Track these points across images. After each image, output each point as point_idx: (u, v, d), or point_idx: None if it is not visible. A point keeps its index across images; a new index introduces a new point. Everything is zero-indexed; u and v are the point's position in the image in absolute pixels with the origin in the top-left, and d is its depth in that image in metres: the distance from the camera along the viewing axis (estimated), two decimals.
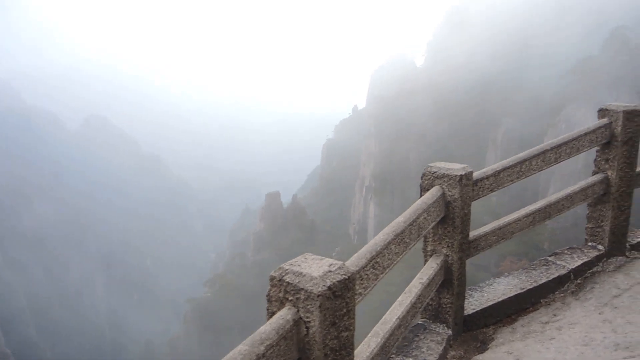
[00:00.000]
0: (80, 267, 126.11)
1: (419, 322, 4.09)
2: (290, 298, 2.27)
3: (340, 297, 2.28)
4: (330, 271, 2.31)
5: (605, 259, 5.01)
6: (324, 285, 2.22)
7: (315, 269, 2.32)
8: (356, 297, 2.51)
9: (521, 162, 4.31)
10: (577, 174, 44.86)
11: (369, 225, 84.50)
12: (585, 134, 4.70)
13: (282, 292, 2.30)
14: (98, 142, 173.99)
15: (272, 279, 2.35)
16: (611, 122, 4.83)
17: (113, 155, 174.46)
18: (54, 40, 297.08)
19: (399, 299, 3.47)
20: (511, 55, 75.45)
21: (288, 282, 2.28)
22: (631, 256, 5.11)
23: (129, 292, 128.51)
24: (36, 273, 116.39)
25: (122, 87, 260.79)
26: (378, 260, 2.85)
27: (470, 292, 4.50)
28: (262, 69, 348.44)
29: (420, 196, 3.82)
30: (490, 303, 4.36)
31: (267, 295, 2.35)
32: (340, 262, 2.41)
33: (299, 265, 2.36)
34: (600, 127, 4.78)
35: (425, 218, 3.51)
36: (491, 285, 4.63)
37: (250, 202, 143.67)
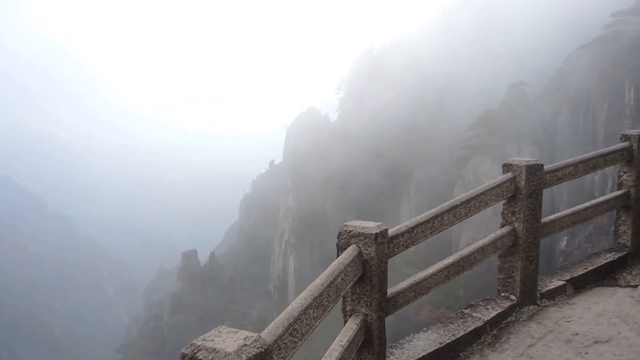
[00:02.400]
0: None
1: None
2: None
3: None
4: (245, 345, 2.18)
5: (518, 308, 5.14)
6: None
7: (229, 343, 2.19)
8: None
9: (434, 218, 4.40)
10: (487, 222, 46.95)
11: (289, 281, 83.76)
12: (492, 188, 4.89)
13: None
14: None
15: (183, 356, 2.19)
16: (515, 177, 5.06)
17: (17, 214, 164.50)
18: None
19: None
20: (421, 108, 79.23)
21: None
22: (542, 304, 5.29)
23: None
24: None
25: (26, 145, 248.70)
26: (296, 327, 2.74)
27: (390, 350, 4.45)
28: (174, 126, 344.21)
29: (337, 255, 3.78)
30: None
31: None
32: (255, 335, 2.28)
33: (212, 341, 2.22)
34: (505, 182, 5.00)
35: (342, 279, 3.46)
36: (411, 341, 4.61)
37: (165, 261, 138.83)
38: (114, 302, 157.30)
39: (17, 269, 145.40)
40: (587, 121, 55.67)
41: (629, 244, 6.35)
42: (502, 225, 5.26)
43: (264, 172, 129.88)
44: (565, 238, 47.37)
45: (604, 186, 46.85)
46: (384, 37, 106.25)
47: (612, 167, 6.37)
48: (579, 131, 56.31)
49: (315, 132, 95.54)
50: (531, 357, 4.32)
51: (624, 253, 6.27)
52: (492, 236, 5.05)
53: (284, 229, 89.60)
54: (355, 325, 3.77)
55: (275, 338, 2.53)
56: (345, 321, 3.92)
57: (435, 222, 4.41)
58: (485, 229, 47.28)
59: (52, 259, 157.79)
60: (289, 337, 2.67)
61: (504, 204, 5.26)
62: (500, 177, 5.12)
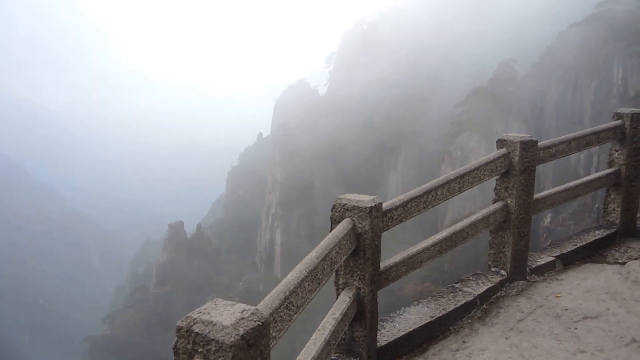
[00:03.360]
0: None
1: (332, 359, 3.98)
2: (200, 350, 2.08)
3: (255, 345, 2.13)
4: (242, 318, 2.15)
5: (508, 283, 5.18)
6: (236, 335, 2.05)
7: (226, 316, 2.15)
8: (270, 341, 2.37)
9: (427, 192, 4.38)
10: (472, 197, 47.29)
11: (275, 253, 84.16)
12: (486, 164, 4.87)
13: (190, 343, 2.11)
14: None
15: (179, 329, 2.15)
16: (509, 152, 5.05)
17: (0, 183, 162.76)
18: None
19: (313, 337, 3.34)
20: (411, 83, 79.00)
21: (197, 333, 2.09)
22: (532, 280, 5.33)
23: (20, 335, 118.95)
24: None
25: (9, 114, 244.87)
26: (292, 300, 2.72)
27: (382, 323, 4.46)
28: (160, 96, 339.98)
29: (331, 229, 3.75)
30: (402, 333, 4.35)
31: (173, 348, 2.15)
32: (252, 308, 2.25)
33: (208, 314, 2.18)
34: (499, 157, 4.98)
35: (337, 252, 3.44)
36: (402, 315, 4.63)
37: (152, 232, 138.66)
38: (100, 272, 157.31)
39: (1, 238, 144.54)
40: (575, 100, 55.89)
41: (617, 221, 6.39)
42: (495, 201, 5.26)
43: (251, 145, 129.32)
44: (549, 215, 47.93)
45: (589, 164, 47.30)
46: (374, 9, 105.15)
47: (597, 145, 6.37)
48: (566, 109, 56.55)
49: (304, 105, 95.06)
50: (521, 332, 4.36)
51: (613, 230, 6.32)
52: (484, 211, 5.05)
53: (271, 202, 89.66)
54: (348, 299, 3.77)
55: (271, 311, 2.50)
56: (338, 294, 3.92)
57: (429, 196, 4.39)
58: (471, 203, 47.71)
59: (37, 229, 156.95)
60: (285, 310, 2.65)
61: (497, 180, 5.25)
62: (494, 152, 5.10)
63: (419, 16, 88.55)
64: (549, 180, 49.90)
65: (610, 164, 6.44)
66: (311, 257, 3.14)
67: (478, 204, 47.02)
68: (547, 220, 47.40)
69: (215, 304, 2.28)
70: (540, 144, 5.32)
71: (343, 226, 3.69)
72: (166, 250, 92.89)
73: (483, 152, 55.24)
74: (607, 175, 6.28)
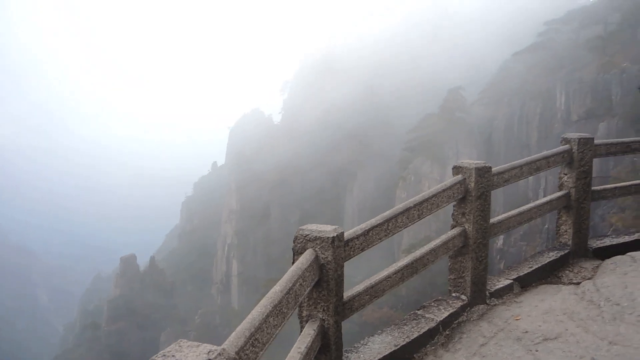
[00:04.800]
0: None
1: None
2: None
3: None
4: (209, 359, 2.08)
5: (469, 308, 5.23)
6: None
7: (192, 358, 2.07)
8: None
9: (388, 220, 4.40)
10: (427, 222, 47.88)
11: (232, 284, 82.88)
12: (443, 190, 4.95)
13: None
14: None
15: None
16: (465, 179, 5.15)
17: None
18: None
19: None
20: (365, 111, 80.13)
21: None
22: (491, 303, 5.40)
23: None
24: None
25: None
26: (257, 336, 2.65)
27: (347, 355, 4.42)
28: (111, 127, 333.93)
29: (293, 260, 3.72)
30: None
31: None
32: (219, 348, 2.18)
33: (173, 356, 2.10)
34: (456, 184, 5.07)
35: (301, 284, 3.40)
36: (366, 344, 4.60)
37: (103, 267, 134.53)
38: (48, 310, 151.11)
39: None
40: (522, 124, 57.76)
41: (570, 242, 6.58)
42: (453, 227, 5.34)
43: (206, 174, 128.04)
44: (502, 237, 48.97)
45: (537, 187, 48.73)
46: (330, 37, 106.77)
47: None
48: (514, 134, 58.36)
49: (259, 133, 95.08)
50: (484, 356, 4.39)
51: (566, 251, 6.50)
52: (443, 237, 5.11)
53: (226, 232, 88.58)
54: (313, 331, 3.71)
55: (237, 349, 2.43)
56: (302, 327, 3.86)
57: (390, 224, 4.42)
58: (426, 224, 48.32)
59: None
60: (251, 348, 2.58)
61: (454, 206, 5.34)
62: (450, 179, 5.19)
63: (375, 45, 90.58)
64: (500, 204, 51.14)
65: (560, 187, 6.65)
66: (275, 291, 3.09)
67: (434, 228, 47.71)
68: (500, 242, 48.38)
69: (179, 346, 2.20)
70: (494, 169, 5.45)
71: (306, 257, 3.66)
72: (118, 285, 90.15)
73: (436, 177, 56.33)
74: (558, 198, 6.48)
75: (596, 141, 6.70)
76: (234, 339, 2.48)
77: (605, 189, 7.08)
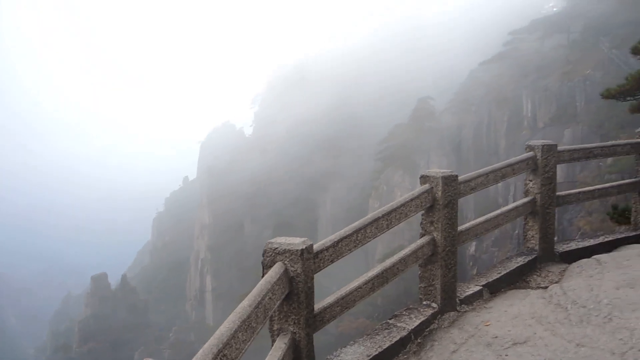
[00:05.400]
0: None
1: None
2: None
3: None
4: None
5: (439, 315, 5.27)
6: None
7: None
8: None
9: (357, 231, 4.42)
10: (400, 231, 48.16)
11: (207, 300, 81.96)
12: (411, 200, 5.00)
13: None
14: None
15: None
16: (432, 187, 5.21)
17: None
18: None
19: None
20: (337, 121, 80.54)
21: None
22: (462, 310, 5.46)
23: None
24: None
25: None
26: (226, 352, 2.63)
27: None
28: (80, 142, 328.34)
29: (263, 274, 3.71)
30: None
31: None
32: None
33: None
34: (423, 193, 5.13)
35: (270, 298, 3.39)
36: (339, 356, 4.59)
37: (73, 287, 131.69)
38: (16, 332, 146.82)
39: None
40: (490, 132, 58.73)
41: (537, 247, 6.70)
42: (422, 235, 5.39)
43: (177, 189, 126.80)
44: (474, 244, 49.53)
45: (507, 193, 49.51)
46: (301, 49, 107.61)
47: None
48: (482, 142, 59.26)
49: (230, 146, 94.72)
50: None
51: (533, 256, 6.61)
52: (412, 246, 5.16)
53: (199, 247, 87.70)
54: (284, 345, 3.70)
55: None
56: (273, 341, 3.84)
57: (359, 235, 4.44)
58: (398, 234, 48.54)
59: None
60: None
61: (422, 215, 5.39)
62: (418, 188, 5.25)
63: (346, 56, 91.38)
64: (471, 210, 51.77)
65: (526, 193, 6.78)
66: (244, 306, 3.08)
67: (407, 236, 47.97)
68: (472, 248, 48.92)
69: None
70: (460, 178, 5.53)
71: (275, 271, 3.66)
72: (89, 305, 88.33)
73: (407, 186, 56.77)
74: (524, 204, 6.60)
75: (559, 148, 6.85)
76: (202, 357, 2.46)
77: (569, 194, 7.24)
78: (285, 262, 3.78)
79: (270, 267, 3.78)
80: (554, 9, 72.21)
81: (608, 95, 13.70)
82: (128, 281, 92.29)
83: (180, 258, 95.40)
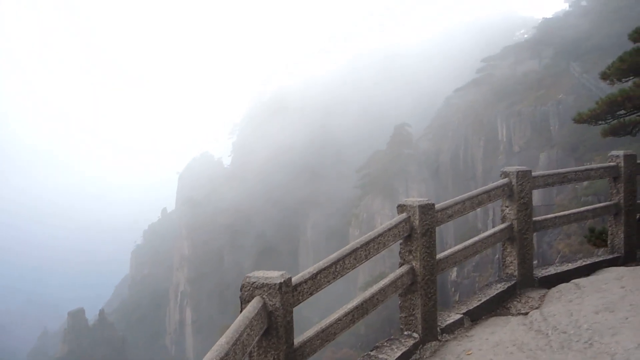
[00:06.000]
0: None
1: None
2: None
3: None
4: None
5: (421, 345, 5.23)
6: None
7: None
8: None
9: (335, 263, 4.40)
10: (382, 258, 48.12)
11: (187, 334, 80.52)
12: (389, 229, 5.00)
13: None
14: None
15: None
16: (410, 216, 5.23)
17: None
18: None
19: None
20: (316, 149, 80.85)
21: None
22: (443, 339, 5.43)
23: None
24: None
25: None
26: None
27: None
28: (56, 173, 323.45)
29: (241, 309, 3.66)
30: None
31: None
32: None
33: None
34: (401, 222, 5.14)
35: (248, 334, 3.33)
36: None
37: (49, 323, 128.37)
38: None
39: None
40: (467, 157, 59.45)
41: (516, 273, 6.72)
42: (400, 265, 5.38)
43: (156, 221, 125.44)
44: (455, 269, 49.63)
45: (485, 217, 49.89)
46: (278, 80, 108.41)
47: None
48: (459, 167, 59.92)
49: (209, 177, 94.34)
50: None
51: (513, 282, 6.63)
52: (392, 276, 5.14)
53: (179, 279, 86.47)
54: None
55: None
56: None
57: (338, 266, 4.41)
58: (381, 265, 48.47)
59: None
60: None
61: (400, 244, 5.39)
62: (395, 217, 5.26)
63: (325, 84, 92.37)
64: (451, 235, 52.02)
65: (503, 219, 6.83)
66: (221, 344, 3.02)
67: (388, 264, 47.91)
68: (454, 274, 48.92)
69: None
70: (437, 206, 5.56)
71: (253, 305, 3.61)
72: (66, 341, 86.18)
73: (388, 213, 56.92)
74: (502, 230, 6.64)
75: (534, 173, 6.94)
76: None
77: (546, 219, 7.32)
78: (264, 296, 3.74)
79: (249, 301, 3.73)
80: (525, 36, 74.14)
81: (580, 119, 13.96)
82: (106, 316, 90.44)
83: (160, 291, 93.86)
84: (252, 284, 3.78)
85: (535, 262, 7.04)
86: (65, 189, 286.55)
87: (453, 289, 48.24)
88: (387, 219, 54.59)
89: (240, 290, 3.83)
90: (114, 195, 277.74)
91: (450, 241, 48.70)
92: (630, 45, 13.22)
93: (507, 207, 6.77)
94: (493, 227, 6.85)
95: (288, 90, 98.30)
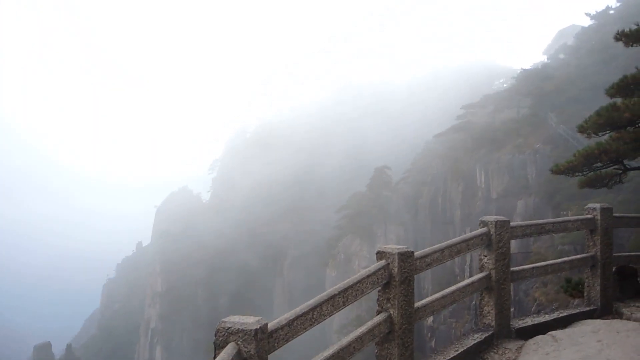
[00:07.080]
0: None
1: None
2: None
3: None
4: None
5: None
6: None
7: None
8: None
9: (313, 309, 4.34)
10: (358, 302, 47.68)
11: None
12: (368, 276, 4.96)
13: None
14: None
15: None
16: (388, 264, 5.20)
17: None
18: None
19: None
20: (295, 189, 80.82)
21: None
22: None
23: None
24: None
25: None
26: None
27: None
28: (25, 201, 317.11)
29: (215, 355, 3.57)
30: None
31: None
32: None
33: None
34: (379, 269, 5.11)
35: None
36: None
37: (14, 357, 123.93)
38: None
39: None
40: (445, 202, 59.83)
41: (493, 323, 6.69)
42: (378, 312, 5.32)
43: (130, 255, 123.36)
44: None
45: (463, 262, 49.99)
46: (260, 116, 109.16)
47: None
48: (438, 211, 60.23)
49: (186, 212, 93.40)
50: None
51: (490, 333, 6.59)
52: (369, 324, 5.07)
53: (150, 316, 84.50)
54: None
55: None
56: None
57: (315, 313, 4.35)
58: (357, 308, 48.01)
59: None
60: None
61: (378, 291, 5.34)
62: (374, 264, 5.23)
63: (306, 123, 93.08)
64: (428, 281, 51.91)
65: (481, 268, 6.84)
66: None
67: (364, 307, 47.49)
68: (430, 319, 48.63)
69: None
70: (416, 254, 5.54)
71: (227, 352, 3.52)
72: None
73: (366, 255, 56.74)
74: (480, 279, 6.64)
75: (512, 224, 6.99)
76: None
77: (524, 270, 7.34)
78: (239, 342, 3.66)
79: (223, 347, 3.65)
80: (504, 85, 75.96)
81: (557, 171, 14.20)
82: (73, 351, 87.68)
83: (130, 327, 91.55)
84: (227, 329, 3.70)
85: (512, 309, 7.02)
86: (34, 218, 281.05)
87: (429, 334, 47.88)
88: (365, 261, 54.37)
89: (215, 335, 3.74)
90: (95, 224, 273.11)
91: (427, 286, 48.60)
92: (606, 99, 13.61)
93: (486, 256, 6.78)
94: (470, 273, 6.85)
95: (271, 126, 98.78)
